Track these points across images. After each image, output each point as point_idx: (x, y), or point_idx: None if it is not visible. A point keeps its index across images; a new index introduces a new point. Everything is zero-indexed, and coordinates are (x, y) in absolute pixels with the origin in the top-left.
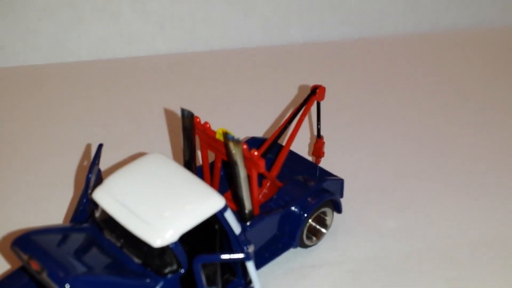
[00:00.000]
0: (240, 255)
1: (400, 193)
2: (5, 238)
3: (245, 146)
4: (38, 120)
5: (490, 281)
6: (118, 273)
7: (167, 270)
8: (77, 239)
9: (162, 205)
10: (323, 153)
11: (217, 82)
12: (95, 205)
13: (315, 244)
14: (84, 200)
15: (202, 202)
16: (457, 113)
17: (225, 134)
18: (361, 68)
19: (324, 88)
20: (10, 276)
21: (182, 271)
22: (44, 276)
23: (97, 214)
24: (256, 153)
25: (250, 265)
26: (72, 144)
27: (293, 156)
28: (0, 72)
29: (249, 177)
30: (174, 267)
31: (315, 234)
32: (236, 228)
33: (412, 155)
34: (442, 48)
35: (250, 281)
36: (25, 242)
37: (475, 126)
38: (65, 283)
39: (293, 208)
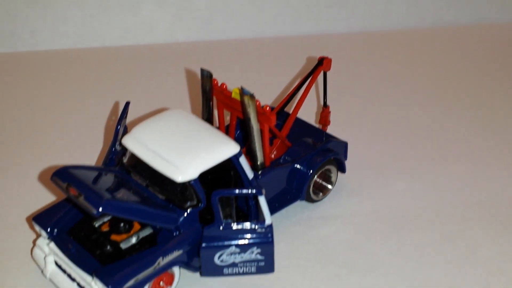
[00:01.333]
0: (253, 190)
1: (401, 159)
2: (44, 172)
3: (258, 102)
4: (69, 94)
5: (479, 233)
6: (145, 204)
7: (188, 205)
8: (108, 176)
9: (184, 148)
10: (329, 121)
11: (230, 67)
12: (123, 152)
13: (322, 199)
14: (113, 149)
15: (220, 147)
16: (455, 98)
17: (242, 89)
18: (368, 59)
19: (330, 59)
20: (56, 205)
21: (201, 205)
22: (81, 200)
23: (125, 160)
24: (268, 108)
25: (262, 199)
26: (100, 107)
27: (301, 123)
28: (31, 55)
29: (261, 131)
30: (194, 202)
31: (322, 190)
32: (250, 173)
33: (413, 131)
34: (443, 42)
35: None
36: (63, 173)
37: (472, 109)
38: (100, 206)
39: (300, 164)
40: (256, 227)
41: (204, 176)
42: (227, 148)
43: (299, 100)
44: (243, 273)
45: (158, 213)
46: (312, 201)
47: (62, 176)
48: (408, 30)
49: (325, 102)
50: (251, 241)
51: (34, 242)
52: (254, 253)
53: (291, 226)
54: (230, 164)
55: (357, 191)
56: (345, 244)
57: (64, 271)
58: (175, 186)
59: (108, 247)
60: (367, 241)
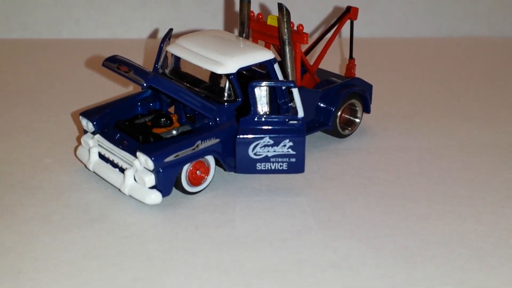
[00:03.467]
0: (288, 82)
1: (424, 108)
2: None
3: (292, 23)
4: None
5: (498, 163)
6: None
7: (225, 99)
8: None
9: (224, 50)
10: (354, 74)
11: None
12: (165, 64)
13: (349, 134)
14: (156, 66)
15: (257, 51)
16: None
17: (279, 3)
18: (389, 63)
19: (357, 8)
20: (102, 105)
21: (239, 100)
22: (131, 74)
23: (167, 71)
24: (301, 27)
25: (295, 92)
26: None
27: (327, 72)
28: (74, 42)
29: (294, 52)
30: (232, 97)
31: (349, 125)
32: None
33: (432, 95)
34: (459, 51)
35: None
36: (114, 58)
37: (480, 93)
38: (148, 78)
39: (327, 93)
40: (289, 119)
41: (241, 86)
42: (264, 53)
43: (324, 47)
44: (275, 171)
45: (199, 100)
46: (340, 136)
47: (112, 60)
48: (427, 38)
49: (351, 54)
50: (284, 133)
51: (78, 140)
52: (286, 147)
53: (318, 152)
54: (264, 75)
55: (382, 131)
56: (370, 166)
57: (107, 160)
58: (215, 84)
59: (150, 137)
60: (392, 165)
